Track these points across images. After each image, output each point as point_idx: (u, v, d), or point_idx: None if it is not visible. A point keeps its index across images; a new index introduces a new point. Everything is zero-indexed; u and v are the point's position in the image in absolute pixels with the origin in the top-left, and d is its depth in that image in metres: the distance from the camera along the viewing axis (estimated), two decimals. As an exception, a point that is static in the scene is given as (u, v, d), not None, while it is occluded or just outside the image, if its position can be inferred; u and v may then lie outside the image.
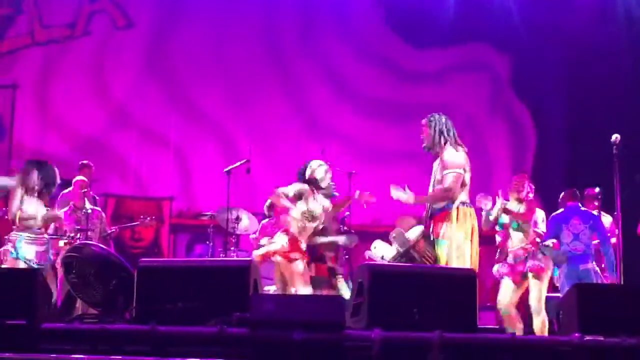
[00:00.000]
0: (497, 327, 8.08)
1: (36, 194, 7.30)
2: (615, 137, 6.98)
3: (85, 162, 9.45)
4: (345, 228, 9.25)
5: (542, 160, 11.92)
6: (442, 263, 6.18)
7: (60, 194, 9.12)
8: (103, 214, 9.18)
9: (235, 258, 9.10)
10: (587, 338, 4.56)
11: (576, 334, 4.59)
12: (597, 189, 8.82)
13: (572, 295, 5.08)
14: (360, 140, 12.24)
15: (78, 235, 8.23)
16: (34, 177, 7.31)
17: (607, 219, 8.73)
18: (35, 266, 6.96)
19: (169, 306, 4.88)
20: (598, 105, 11.39)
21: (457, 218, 6.28)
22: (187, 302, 4.91)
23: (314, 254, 8.73)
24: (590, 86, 11.66)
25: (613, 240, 8.19)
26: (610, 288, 6.45)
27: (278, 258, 7.09)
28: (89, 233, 8.43)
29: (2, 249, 7.26)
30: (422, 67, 12.65)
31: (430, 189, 6.50)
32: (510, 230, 7.42)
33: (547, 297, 7.66)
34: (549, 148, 12.03)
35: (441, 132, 6.45)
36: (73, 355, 4.43)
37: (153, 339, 4.54)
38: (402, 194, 6.44)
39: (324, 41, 12.77)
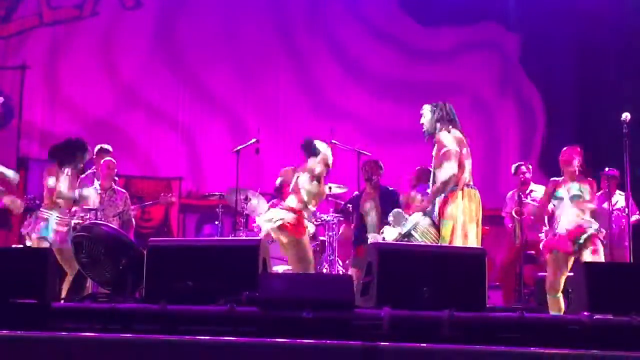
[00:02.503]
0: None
1: (71, 174, 7.46)
2: (625, 115, 6.95)
3: (104, 146, 9.45)
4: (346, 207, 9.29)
5: (551, 140, 11.88)
6: (446, 243, 6.22)
7: (84, 174, 9.18)
8: (127, 196, 9.19)
9: (244, 238, 9.11)
10: (597, 317, 4.56)
11: (585, 313, 4.59)
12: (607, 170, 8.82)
13: (581, 274, 5.08)
14: (369, 119, 12.21)
15: (88, 215, 8.27)
16: (81, 157, 7.50)
17: (622, 198, 8.72)
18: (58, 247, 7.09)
19: (179, 285, 4.89)
20: (608, 84, 11.33)
21: (461, 199, 6.35)
22: (196, 282, 4.92)
23: (359, 236, 8.79)
24: (600, 65, 11.60)
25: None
26: (620, 266, 6.44)
27: (284, 239, 7.19)
28: (99, 213, 8.46)
29: (29, 224, 7.34)
30: (432, 46, 12.59)
31: (432, 174, 6.60)
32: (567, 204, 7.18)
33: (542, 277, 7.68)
34: (558, 127, 11.97)
35: (439, 119, 6.56)
36: (83, 334, 4.45)
37: (163, 317, 4.56)
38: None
39: (333, 20, 12.71)
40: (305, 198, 7.22)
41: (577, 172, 7.06)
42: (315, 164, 7.29)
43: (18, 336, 4.38)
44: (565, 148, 7.23)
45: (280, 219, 7.15)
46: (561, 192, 7.09)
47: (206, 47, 12.37)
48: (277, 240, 7.42)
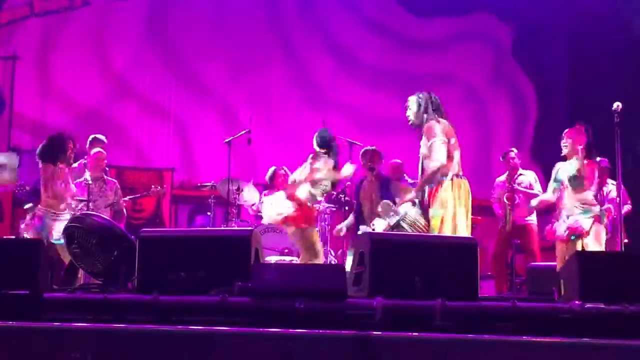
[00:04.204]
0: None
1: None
2: (617, 105, 6.94)
3: (98, 136, 9.39)
4: (347, 198, 9.27)
5: (543, 129, 11.91)
6: (436, 233, 6.23)
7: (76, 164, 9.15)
8: (118, 186, 9.13)
9: (236, 228, 9.11)
10: (588, 305, 4.57)
11: (577, 302, 4.60)
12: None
13: (573, 263, 5.09)
14: (362, 109, 12.22)
15: (79, 206, 8.25)
16: (63, 153, 7.54)
17: (614, 188, 8.74)
18: (58, 242, 7.09)
19: (171, 276, 4.88)
20: (600, 74, 11.35)
21: (451, 189, 6.35)
22: (188, 272, 4.91)
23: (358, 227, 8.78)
24: (592, 55, 11.62)
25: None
26: (612, 255, 6.46)
27: (289, 230, 7.28)
28: (91, 204, 8.44)
29: (25, 222, 7.36)
30: (424, 36, 12.61)
31: (420, 164, 6.59)
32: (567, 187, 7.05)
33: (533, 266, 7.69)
34: (550, 117, 12.01)
35: (426, 110, 6.55)
36: (75, 324, 4.45)
37: (155, 308, 4.55)
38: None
39: (325, 10, 12.71)
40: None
41: (576, 153, 7.00)
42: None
43: (10, 327, 4.38)
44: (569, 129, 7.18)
45: (280, 214, 7.22)
46: (560, 174, 7.05)
47: (198, 38, 12.36)
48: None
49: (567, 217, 6.92)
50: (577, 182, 6.91)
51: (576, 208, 6.90)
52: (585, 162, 6.96)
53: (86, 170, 8.85)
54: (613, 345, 4.27)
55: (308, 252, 7.29)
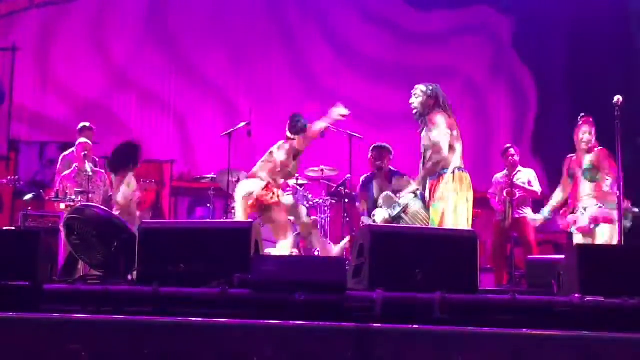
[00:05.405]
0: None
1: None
2: (617, 98, 6.92)
3: (86, 124, 9.43)
4: (347, 191, 9.26)
5: (543, 123, 11.89)
6: (436, 226, 6.23)
7: (61, 155, 9.16)
8: (106, 176, 9.14)
9: (236, 220, 9.11)
10: (588, 299, 4.57)
11: (576, 295, 4.60)
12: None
13: (572, 256, 5.08)
14: (361, 102, 12.18)
15: (79, 198, 8.25)
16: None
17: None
18: None
19: (171, 268, 4.89)
20: (600, 67, 11.33)
21: (452, 182, 6.36)
22: (188, 264, 4.91)
23: None
24: (592, 47, 11.59)
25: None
26: (611, 249, 6.45)
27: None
28: (91, 195, 8.44)
29: None
30: (424, 29, 12.57)
31: (422, 155, 6.59)
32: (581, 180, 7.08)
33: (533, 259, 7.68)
34: (550, 110, 11.99)
35: (433, 101, 6.54)
36: (75, 315, 4.45)
37: (155, 300, 4.56)
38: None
39: (325, 2, 12.68)
40: (278, 169, 7.28)
41: (587, 145, 7.03)
42: (299, 141, 7.34)
43: (10, 318, 4.38)
44: (582, 120, 7.23)
45: (250, 193, 7.24)
46: (572, 168, 7.08)
47: (198, 29, 12.34)
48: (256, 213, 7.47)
49: (585, 209, 6.95)
50: (592, 173, 6.94)
51: (593, 199, 6.92)
52: (597, 151, 7.00)
53: (86, 162, 8.81)
54: (613, 339, 4.27)
55: (274, 224, 7.40)
